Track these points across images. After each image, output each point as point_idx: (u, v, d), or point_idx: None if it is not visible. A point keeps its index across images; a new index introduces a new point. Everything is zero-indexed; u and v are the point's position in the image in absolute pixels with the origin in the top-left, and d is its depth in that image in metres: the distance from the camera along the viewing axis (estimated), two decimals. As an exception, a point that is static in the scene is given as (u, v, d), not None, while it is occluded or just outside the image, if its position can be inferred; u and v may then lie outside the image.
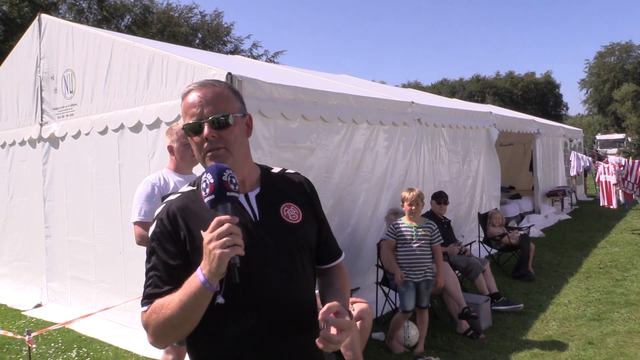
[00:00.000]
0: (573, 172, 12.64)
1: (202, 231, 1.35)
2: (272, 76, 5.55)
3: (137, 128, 5.08)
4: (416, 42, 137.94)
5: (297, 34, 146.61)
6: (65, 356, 4.79)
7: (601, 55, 59.85)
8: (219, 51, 26.01)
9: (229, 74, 4.27)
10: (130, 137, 5.17)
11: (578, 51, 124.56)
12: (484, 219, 7.88)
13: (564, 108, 71.91)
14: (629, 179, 10.38)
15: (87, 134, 5.68)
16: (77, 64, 5.84)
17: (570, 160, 12.61)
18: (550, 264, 7.70)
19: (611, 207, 10.42)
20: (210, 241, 1.27)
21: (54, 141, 6.18)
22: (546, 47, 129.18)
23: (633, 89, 49.99)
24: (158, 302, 1.40)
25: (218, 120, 1.47)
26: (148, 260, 1.49)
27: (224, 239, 1.26)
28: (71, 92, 5.90)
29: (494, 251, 7.80)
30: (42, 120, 6.33)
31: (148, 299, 1.44)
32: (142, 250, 3.18)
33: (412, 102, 6.79)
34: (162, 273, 1.45)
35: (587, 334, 4.89)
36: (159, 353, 4.20)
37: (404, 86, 38.41)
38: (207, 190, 1.34)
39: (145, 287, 1.46)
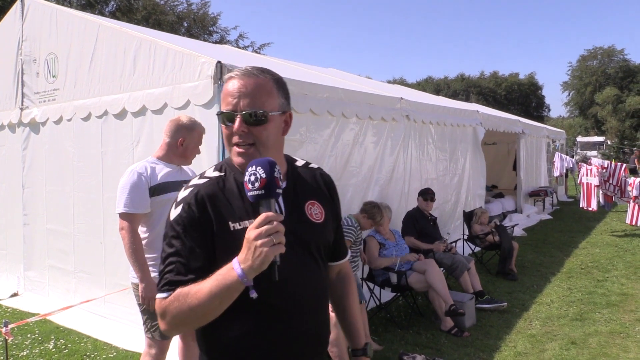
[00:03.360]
0: (557, 173, 12.78)
1: (230, 222, 1.40)
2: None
3: (121, 115, 4.95)
4: (402, 38, 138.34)
5: (284, 27, 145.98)
6: (42, 347, 4.67)
7: (584, 58, 60.73)
8: (205, 41, 25.68)
9: (219, 62, 4.18)
10: (114, 125, 5.03)
11: (562, 54, 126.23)
12: (469, 217, 7.90)
13: (546, 109, 72.89)
14: (610, 181, 10.51)
15: (69, 120, 5.52)
16: (60, 48, 5.67)
17: (554, 161, 12.74)
18: (532, 264, 7.75)
19: (590, 209, 10.54)
20: (257, 237, 1.25)
21: (34, 126, 6.01)
22: (530, 49, 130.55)
23: (614, 92, 50.80)
24: (182, 290, 1.35)
25: (251, 115, 1.42)
26: (169, 245, 1.42)
27: (272, 236, 1.25)
28: (54, 76, 5.74)
29: (477, 249, 7.83)
30: (22, 104, 6.14)
31: (170, 285, 1.38)
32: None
33: (402, 98, 6.75)
34: (186, 260, 1.40)
35: (570, 334, 4.92)
36: (139, 346, 4.12)
37: (389, 82, 38.40)
38: (257, 184, 1.31)
39: (165, 272, 1.40)
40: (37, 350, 4.60)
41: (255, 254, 1.25)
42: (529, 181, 12.92)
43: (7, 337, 3.19)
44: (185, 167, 3.37)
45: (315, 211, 1.57)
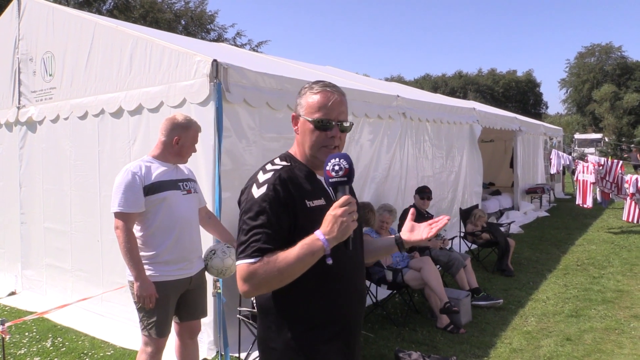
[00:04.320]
0: (553, 170, 12.81)
1: (306, 201, 1.71)
2: (258, 65, 5.46)
3: (118, 114, 4.96)
4: (400, 36, 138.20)
5: (282, 24, 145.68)
6: (39, 346, 4.68)
7: (581, 55, 60.69)
8: (203, 39, 25.63)
9: (215, 61, 4.19)
10: (110, 123, 5.04)
11: (559, 51, 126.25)
12: (466, 215, 7.92)
13: (544, 107, 72.95)
14: (607, 178, 10.54)
15: (66, 119, 5.52)
16: (57, 46, 5.67)
17: (551, 159, 12.77)
18: (529, 261, 7.78)
19: (585, 205, 10.56)
20: (343, 214, 1.58)
21: (31, 125, 6.01)
22: (528, 46, 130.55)
23: (612, 90, 50.78)
24: (270, 256, 1.61)
25: (345, 125, 1.81)
26: (254, 218, 1.66)
27: (352, 214, 1.58)
28: (50, 75, 5.74)
29: (474, 246, 7.85)
30: (19, 103, 6.15)
31: (259, 252, 1.62)
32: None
33: (398, 96, 6.77)
34: (272, 231, 1.64)
35: (565, 330, 4.95)
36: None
37: (387, 80, 38.41)
38: (341, 172, 1.64)
39: (253, 241, 1.63)
40: (34, 349, 4.61)
41: (340, 227, 1.57)
42: (526, 178, 12.94)
43: (4, 336, 3.20)
44: (181, 166, 3.39)
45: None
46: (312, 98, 1.78)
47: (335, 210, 1.59)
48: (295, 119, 1.84)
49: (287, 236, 1.65)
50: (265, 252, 1.61)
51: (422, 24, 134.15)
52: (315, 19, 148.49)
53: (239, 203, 1.81)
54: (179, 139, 3.23)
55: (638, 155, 26.20)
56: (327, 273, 1.70)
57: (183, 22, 28.14)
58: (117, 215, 3.06)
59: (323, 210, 1.69)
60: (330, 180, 1.65)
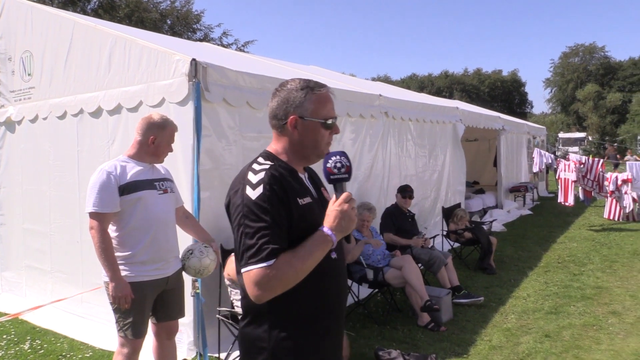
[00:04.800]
0: (536, 169, 12.94)
1: (298, 198, 1.72)
2: (240, 64, 5.45)
3: (97, 113, 4.92)
4: (387, 36, 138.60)
5: (269, 24, 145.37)
6: (17, 348, 4.63)
7: (566, 55, 61.42)
8: (189, 38, 25.47)
9: (194, 60, 4.17)
10: (90, 123, 5.00)
11: (544, 51, 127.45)
12: (448, 214, 7.97)
13: (529, 106, 73.66)
14: (588, 177, 10.67)
15: (45, 119, 5.47)
16: (36, 46, 5.61)
17: (534, 157, 12.90)
18: (511, 258, 7.85)
19: (567, 203, 10.69)
20: (348, 209, 1.67)
21: (10, 125, 5.94)
22: (513, 46, 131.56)
23: (595, 89, 51.44)
24: (285, 256, 1.61)
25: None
26: (257, 220, 1.63)
27: (355, 209, 1.68)
28: (29, 74, 5.68)
29: (456, 245, 7.90)
30: (-3, 103, 6.07)
31: (274, 254, 1.60)
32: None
33: (380, 95, 6.79)
34: (279, 232, 1.64)
35: (544, 327, 5.00)
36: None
37: (373, 80, 38.50)
38: (343, 170, 1.72)
39: (263, 243, 1.60)
40: (12, 351, 4.56)
41: (346, 220, 1.66)
42: (510, 177, 13.06)
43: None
44: (158, 166, 3.37)
45: (326, 195, 1.94)
46: (319, 99, 1.81)
47: (341, 205, 1.66)
48: (294, 120, 1.80)
49: (288, 234, 1.66)
50: (278, 254, 1.60)
51: (409, 25, 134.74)
52: (303, 19, 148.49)
53: (227, 207, 1.77)
54: (155, 139, 3.21)
55: (614, 152, 26.67)
56: (326, 269, 1.73)
57: (169, 22, 27.93)
58: (92, 215, 3.04)
59: (311, 208, 1.76)
60: (331, 177, 1.71)
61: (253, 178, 1.71)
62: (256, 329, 1.74)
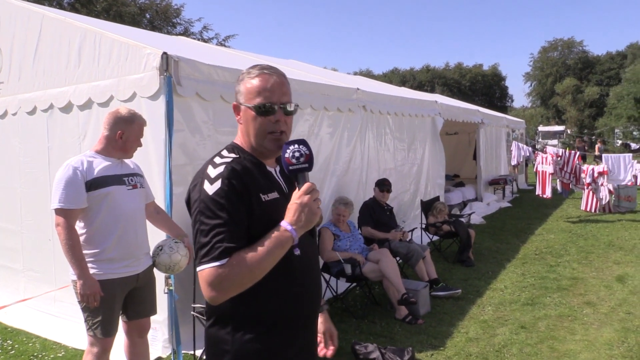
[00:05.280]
0: (514, 162, 13.06)
1: (261, 194, 1.61)
2: (215, 59, 5.37)
3: (67, 109, 4.81)
4: (369, 30, 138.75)
5: (250, 18, 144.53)
6: (-13, 349, 4.53)
7: (545, 50, 62.12)
8: (169, 33, 25.14)
9: (165, 53, 4.09)
10: (60, 118, 4.89)
11: (524, 45, 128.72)
12: (427, 207, 7.99)
13: (509, 100, 74.31)
14: (565, 169, 10.80)
15: (14, 114, 5.34)
16: (3, 40, 5.46)
17: (512, 150, 13.02)
18: (489, 251, 7.91)
19: (544, 196, 10.80)
20: (309, 201, 1.55)
21: (-22, 121, 5.78)
22: (494, 41, 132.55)
23: (573, 83, 52.12)
24: (239, 255, 1.51)
25: (290, 107, 1.69)
26: (212, 217, 1.54)
27: (318, 200, 1.58)
28: (-3, 69, 5.53)
29: (435, 238, 7.94)
30: (-35, 98, 5.90)
31: (226, 253, 1.51)
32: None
33: (358, 89, 6.76)
34: (235, 228, 1.54)
35: (521, 318, 5.04)
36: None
37: (355, 74, 38.47)
38: (302, 159, 1.59)
39: (217, 241, 1.51)
40: (-18, 352, 4.46)
41: (308, 215, 1.55)
42: (489, 170, 13.15)
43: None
44: (127, 160, 3.30)
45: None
46: (251, 83, 1.68)
47: (300, 198, 1.56)
48: (237, 108, 1.73)
49: (247, 232, 1.56)
50: (232, 252, 1.51)
51: (391, 19, 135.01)
52: (284, 13, 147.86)
53: (188, 202, 1.69)
54: (123, 133, 3.14)
55: (582, 145, 27.26)
56: (289, 267, 1.63)
57: (148, 16, 27.55)
58: (58, 211, 2.97)
59: (278, 203, 1.64)
60: (290, 167, 1.59)
61: (212, 172, 1.62)
62: (220, 330, 1.66)
